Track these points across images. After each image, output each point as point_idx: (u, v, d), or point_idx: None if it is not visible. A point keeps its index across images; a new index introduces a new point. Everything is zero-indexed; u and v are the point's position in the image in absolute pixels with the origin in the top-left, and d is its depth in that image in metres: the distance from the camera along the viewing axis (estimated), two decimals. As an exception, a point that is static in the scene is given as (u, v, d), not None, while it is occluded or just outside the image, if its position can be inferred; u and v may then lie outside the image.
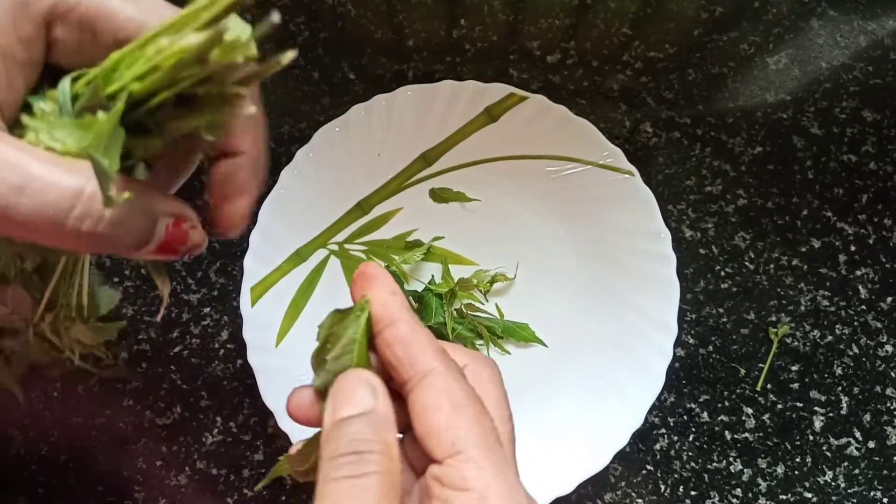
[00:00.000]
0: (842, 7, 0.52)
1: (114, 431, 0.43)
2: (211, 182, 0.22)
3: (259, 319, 0.42)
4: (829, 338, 0.46)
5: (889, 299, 0.47)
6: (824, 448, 0.44)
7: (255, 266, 0.42)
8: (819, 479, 0.43)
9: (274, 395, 0.40)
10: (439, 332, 0.43)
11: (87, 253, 0.20)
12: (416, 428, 0.21)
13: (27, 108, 0.20)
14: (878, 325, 0.46)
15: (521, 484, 0.21)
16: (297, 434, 0.40)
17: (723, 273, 0.47)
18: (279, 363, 0.42)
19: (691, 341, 0.46)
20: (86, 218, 0.18)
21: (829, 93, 0.50)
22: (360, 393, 0.21)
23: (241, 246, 0.42)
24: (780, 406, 0.45)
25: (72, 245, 0.18)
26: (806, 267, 0.47)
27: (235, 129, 0.22)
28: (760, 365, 0.45)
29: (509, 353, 0.44)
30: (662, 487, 0.43)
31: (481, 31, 0.50)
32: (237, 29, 0.16)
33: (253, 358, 0.40)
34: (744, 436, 0.44)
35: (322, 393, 0.23)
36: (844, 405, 0.45)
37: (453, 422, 0.20)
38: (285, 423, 0.40)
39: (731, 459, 0.44)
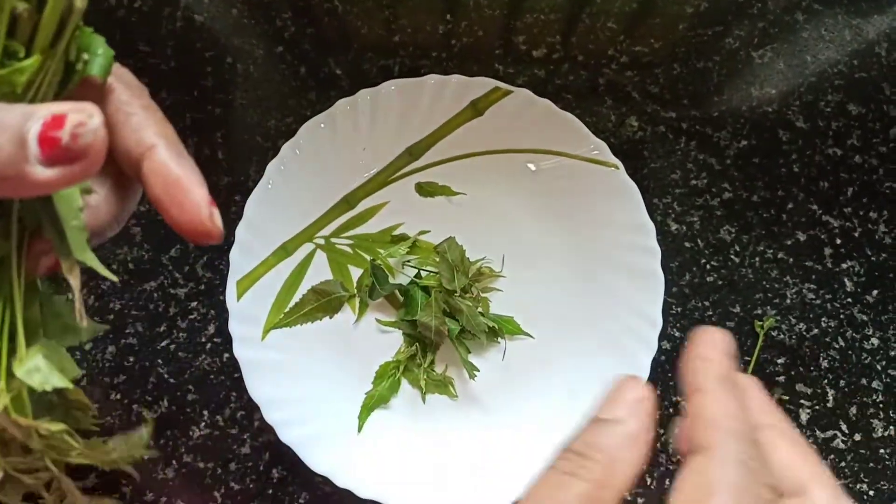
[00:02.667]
0: (826, 1, 0.52)
1: (101, 425, 0.43)
2: (151, 197, 0.21)
3: (245, 313, 0.42)
4: (815, 331, 0.46)
5: (875, 292, 0.46)
6: (810, 441, 0.44)
7: (241, 260, 0.42)
8: None
9: (260, 388, 0.40)
10: (426, 328, 0.43)
11: None
12: None
13: None
14: (864, 317, 0.46)
15: None
16: (284, 427, 0.40)
17: (708, 266, 0.47)
18: (265, 356, 0.42)
19: (677, 334, 0.45)
20: None
21: (814, 86, 0.50)
22: (622, 401, 0.21)
23: (228, 240, 0.42)
24: None
25: None
26: (791, 260, 0.47)
27: (133, 127, 0.21)
28: (746, 358, 0.45)
29: (498, 343, 0.44)
30: (648, 480, 0.43)
31: (467, 26, 0.50)
32: None
33: (239, 351, 0.40)
34: None
35: None
36: (830, 398, 0.45)
37: None
38: (272, 416, 0.40)
39: None
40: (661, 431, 0.44)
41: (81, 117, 0.18)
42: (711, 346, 0.21)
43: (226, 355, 0.44)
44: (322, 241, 0.45)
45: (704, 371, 0.21)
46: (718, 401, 0.20)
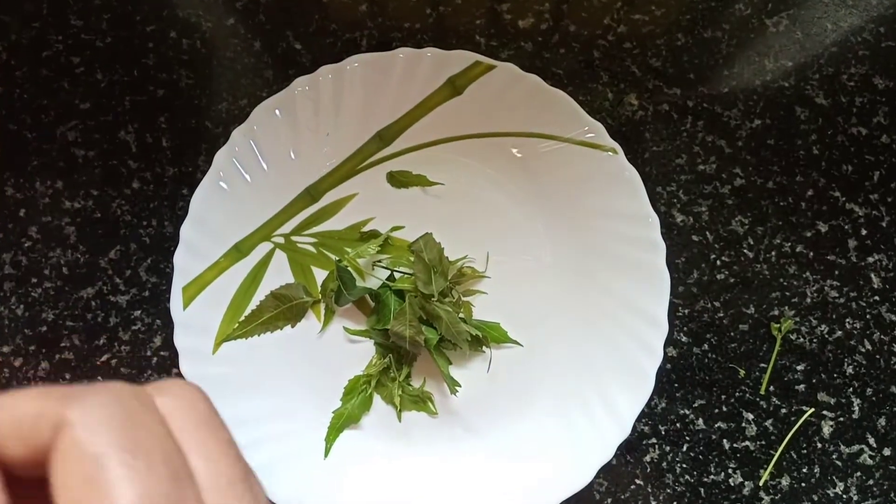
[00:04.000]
0: (849, -39, 0.48)
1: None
2: None
3: (194, 323, 0.39)
4: (839, 333, 0.43)
5: (905, 289, 0.43)
6: (834, 457, 0.41)
7: (187, 262, 0.40)
8: (829, 492, 0.41)
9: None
10: (400, 337, 0.39)
11: None
12: None
13: None
14: (893, 317, 0.43)
15: None
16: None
17: (719, 262, 0.44)
18: (217, 372, 0.39)
19: (684, 339, 0.43)
20: None
21: (835, 58, 0.47)
22: None
23: (174, 240, 0.39)
24: (784, 410, 0.42)
25: None
26: (811, 254, 0.44)
27: None
28: (762, 365, 0.42)
29: (482, 353, 0.41)
30: (653, 503, 0.41)
31: (444, -7, 0.46)
32: None
33: (186, 367, 0.38)
34: (744, 444, 0.41)
35: None
36: (856, 408, 0.42)
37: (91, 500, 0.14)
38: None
39: (729, 471, 0.41)
40: (667, 449, 0.41)
41: None
42: None
43: (174, 370, 0.41)
44: (281, 240, 0.42)
45: None
46: (19, 396, 0.16)
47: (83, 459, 0.14)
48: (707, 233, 0.44)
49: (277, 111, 0.40)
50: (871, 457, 0.41)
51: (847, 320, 0.43)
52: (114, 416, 0.15)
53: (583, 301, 0.41)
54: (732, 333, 0.43)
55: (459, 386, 0.40)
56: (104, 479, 0.14)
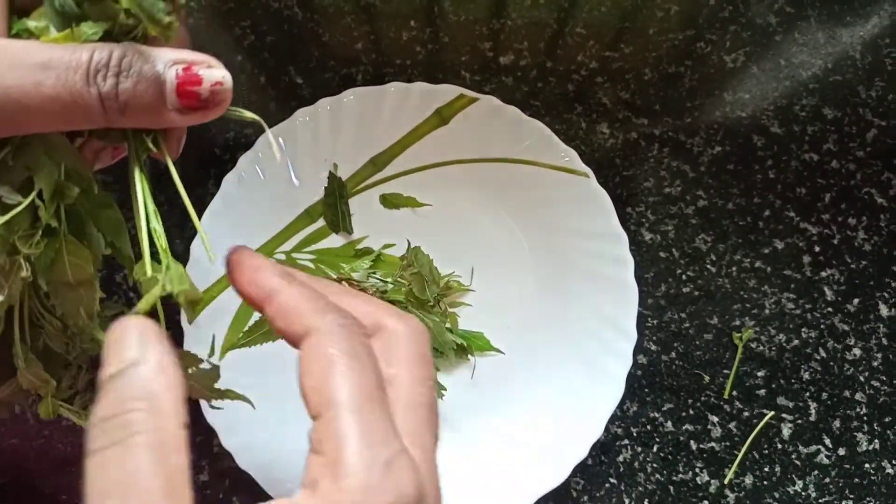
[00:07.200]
0: (799, 5, 0.51)
1: (53, 453, 0.42)
2: None
3: (201, 334, 0.41)
4: (796, 342, 0.45)
5: (855, 301, 0.45)
6: (793, 456, 0.43)
7: (196, 278, 0.39)
8: (789, 489, 0.42)
9: (216, 412, 0.39)
10: None
11: (114, 124, 0.21)
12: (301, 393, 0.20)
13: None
14: (845, 327, 0.45)
15: (406, 455, 0.19)
16: (242, 453, 0.39)
17: (684, 276, 0.46)
18: (223, 377, 0.40)
19: (653, 348, 0.44)
20: (103, 77, 0.20)
21: (788, 91, 0.49)
22: (125, 344, 0.19)
23: (185, 257, 0.41)
24: (746, 413, 0.43)
25: (99, 116, 0.20)
26: (769, 269, 0.46)
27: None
28: (725, 371, 0.44)
29: (467, 360, 0.43)
30: (627, 501, 0.42)
31: (432, 32, 0.49)
32: None
33: None
34: (710, 445, 0.43)
35: None
36: (813, 411, 0.43)
37: (323, 382, 0.20)
38: (229, 442, 0.39)
39: (697, 470, 0.42)
40: (639, 450, 0.42)
41: (217, 76, 0.21)
42: (251, 258, 0.23)
43: (183, 377, 0.42)
44: (283, 257, 0.44)
45: (265, 277, 0.22)
46: (294, 292, 0.22)
47: (321, 357, 0.20)
48: (673, 250, 0.46)
49: (280, 139, 0.42)
50: (827, 457, 0.42)
51: (803, 330, 0.45)
52: (350, 334, 0.20)
53: (559, 312, 0.43)
54: (697, 342, 0.44)
55: (445, 389, 0.41)
56: (333, 371, 0.19)
